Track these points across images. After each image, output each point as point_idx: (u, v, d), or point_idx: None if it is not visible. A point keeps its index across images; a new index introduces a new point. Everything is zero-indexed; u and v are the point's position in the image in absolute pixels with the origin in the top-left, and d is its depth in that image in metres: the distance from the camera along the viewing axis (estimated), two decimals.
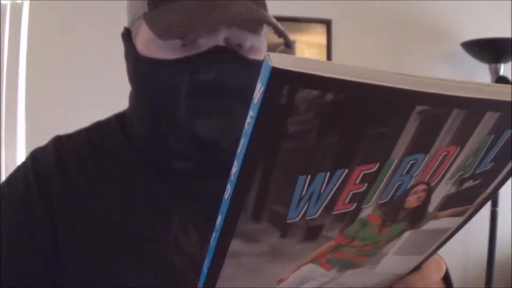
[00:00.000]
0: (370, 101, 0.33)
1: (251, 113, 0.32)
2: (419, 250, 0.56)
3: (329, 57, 2.87)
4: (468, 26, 2.96)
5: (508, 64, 2.83)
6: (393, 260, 0.54)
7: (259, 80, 0.30)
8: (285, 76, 0.30)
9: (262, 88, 0.30)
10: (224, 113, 0.74)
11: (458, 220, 0.53)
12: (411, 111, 0.35)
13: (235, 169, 0.35)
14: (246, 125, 0.33)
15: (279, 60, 0.29)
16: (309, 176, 0.36)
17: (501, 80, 2.65)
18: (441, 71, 2.99)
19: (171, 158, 0.79)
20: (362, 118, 0.34)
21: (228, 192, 0.36)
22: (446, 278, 0.71)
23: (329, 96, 0.31)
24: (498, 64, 2.81)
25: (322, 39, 2.88)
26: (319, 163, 0.36)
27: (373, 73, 0.31)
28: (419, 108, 0.35)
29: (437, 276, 0.60)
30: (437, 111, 0.36)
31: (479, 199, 0.51)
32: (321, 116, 0.33)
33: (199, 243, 0.75)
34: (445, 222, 0.52)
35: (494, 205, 2.65)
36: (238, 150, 0.34)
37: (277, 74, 0.29)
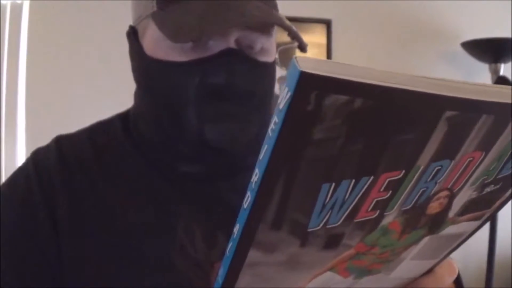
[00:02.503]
0: (400, 106, 0.32)
1: (276, 119, 0.30)
2: (434, 255, 0.55)
3: (329, 57, 2.87)
4: (468, 26, 2.96)
5: (508, 64, 2.83)
6: (408, 265, 0.54)
7: (285, 85, 0.29)
8: (314, 81, 0.28)
9: (289, 94, 0.29)
10: (234, 117, 0.73)
11: (475, 224, 0.53)
12: (440, 117, 0.34)
13: (256, 177, 0.34)
14: (269, 132, 0.31)
15: (307, 64, 0.28)
16: (334, 184, 0.35)
17: (501, 80, 2.64)
18: (441, 71, 2.98)
19: (178, 161, 0.78)
20: (390, 124, 0.33)
21: (248, 200, 0.35)
22: (458, 281, 0.71)
23: (358, 102, 0.30)
24: (498, 64, 2.80)
25: (322, 39, 2.87)
26: (344, 170, 0.35)
27: (402, 78, 0.30)
28: (448, 113, 0.34)
29: (450, 278, 0.59)
30: (465, 116, 0.35)
31: (497, 203, 0.51)
32: (348, 123, 0.31)
33: (204, 247, 0.74)
34: (463, 226, 0.51)
35: None
36: (260, 157, 0.33)
37: (306, 79, 0.28)
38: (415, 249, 0.51)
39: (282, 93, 0.30)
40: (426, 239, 0.50)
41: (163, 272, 0.73)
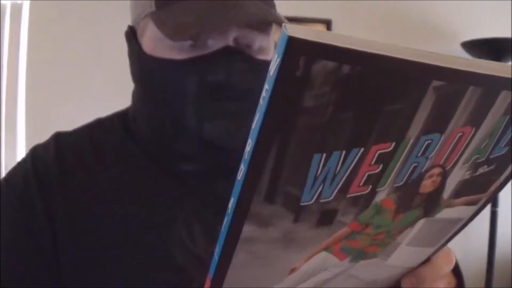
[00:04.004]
0: (387, 74, 0.32)
1: (267, 87, 0.31)
2: (431, 242, 0.55)
3: None
4: (468, 26, 2.96)
5: (508, 64, 2.83)
6: (405, 252, 0.54)
7: (275, 52, 0.30)
8: (302, 46, 0.29)
9: (278, 59, 0.29)
10: (233, 115, 0.73)
11: (471, 209, 0.53)
12: (427, 86, 0.34)
13: (249, 147, 0.34)
14: (261, 100, 0.32)
15: (296, 30, 0.29)
16: (325, 155, 0.36)
17: None
18: None
19: (177, 160, 0.78)
20: (378, 93, 0.34)
21: (242, 171, 0.36)
22: (456, 270, 0.70)
23: (346, 69, 0.31)
24: None
25: None
26: (335, 140, 0.35)
27: (390, 47, 0.31)
28: (435, 83, 0.34)
29: (447, 267, 0.59)
30: (453, 88, 0.36)
31: (492, 188, 0.51)
32: (337, 90, 0.32)
33: (204, 242, 0.74)
34: (459, 211, 0.51)
35: (494, 205, 2.64)
36: (253, 127, 0.33)
37: (294, 44, 0.29)
38: (411, 233, 0.51)
39: (272, 60, 0.30)
40: (421, 222, 0.50)
41: (163, 268, 0.73)
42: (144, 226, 0.75)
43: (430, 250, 0.57)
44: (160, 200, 0.77)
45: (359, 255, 0.51)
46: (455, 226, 0.55)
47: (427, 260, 0.59)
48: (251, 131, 0.34)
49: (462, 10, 3.01)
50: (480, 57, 2.81)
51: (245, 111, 0.73)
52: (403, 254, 0.54)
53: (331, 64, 0.30)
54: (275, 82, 0.30)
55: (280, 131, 0.33)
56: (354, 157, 0.37)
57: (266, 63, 0.75)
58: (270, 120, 0.32)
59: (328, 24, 2.87)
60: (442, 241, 0.56)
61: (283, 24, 0.29)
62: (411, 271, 0.59)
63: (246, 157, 0.35)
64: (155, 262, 0.73)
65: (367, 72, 0.32)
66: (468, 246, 2.85)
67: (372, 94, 0.34)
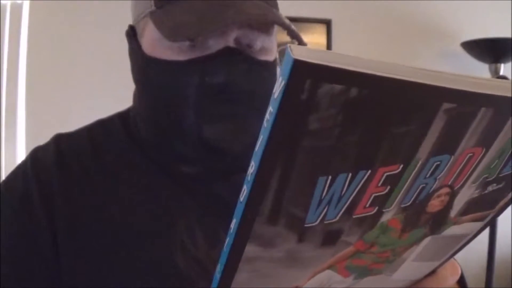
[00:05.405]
0: (396, 97, 0.31)
1: (271, 109, 0.30)
2: (437, 257, 0.55)
3: None
4: (468, 26, 2.96)
5: (508, 64, 2.83)
6: (410, 267, 0.53)
7: (279, 74, 0.29)
8: (308, 69, 0.28)
9: (283, 82, 0.28)
10: (233, 117, 0.72)
11: (478, 225, 0.52)
12: (438, 109, 0.33)
13: (252, 169, 0.33)
14: (264, 122, 0.31)
15: (301, 52, 0.28)
16: (330, 177, 0.35)
17: None
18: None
19: (178, 162, 0.78)
20: (386, 116, 0.33)
21: (244, 193, 0.35)
22: (461, 281, 0.70)
23: (353, 92, 0.30)
24: (498, 64, 2.80)
25: (322, 39, 2.87)
26: (341, 163, 0.34)
27: (399, 69, 0.30)
28: (446, 106, 0.33)
29: (452, 279, 0.58)
30: (464, 109, 0.35)
31: (501, 204, 0.50)
32: (344, 113, 0.31)
33: (205, 246, 0.74)
34: (466, 227, 0.50)
35: None
36: (256, 149, 0.32)
37: (299, 67, 0.28)
38: (416, 250, 0.50)
39: (277, 82, 0.29)
40: (427, 239, 0.49)
41: (164, 272, 0.72)
42: (145, 229, 0.74)
43: (436, 263, 0.56)
44: (161, 203, 0.77)
45: (364, 272, 0.50)
46: (462, 241, 0.54)
47: (432, 272, 0.58)
48: (254, 153, 0.33)
49: (462, 10, 3.00)
50: (480, 57, 2.81)
51: (246, 113, 0.72)
52: (409, 269, 0.53)
53: (337, 87, 0.29)
54: (279, 105, 0.29)
55: (284, 154, 0.32)
56: (361, 180, 0.36)
57: (268, 64, 0.74)
58: (273, 143, 0.31)
59: (328, 24, 2.87)
60: (448, 255, 0.56)
61: (288, 45, 0.28)
62: (416, 283, 0.59)
63: (249, 179, 0.34)
64: (156, 265, 0.72)
65: (375, 95, 0.31)
66: (468, 246, 2.84)
67: (380, 117, 0.33)
